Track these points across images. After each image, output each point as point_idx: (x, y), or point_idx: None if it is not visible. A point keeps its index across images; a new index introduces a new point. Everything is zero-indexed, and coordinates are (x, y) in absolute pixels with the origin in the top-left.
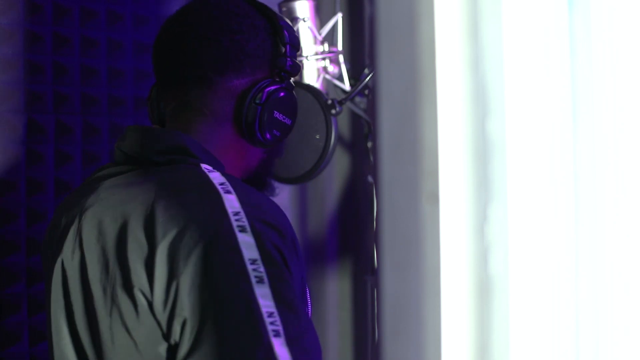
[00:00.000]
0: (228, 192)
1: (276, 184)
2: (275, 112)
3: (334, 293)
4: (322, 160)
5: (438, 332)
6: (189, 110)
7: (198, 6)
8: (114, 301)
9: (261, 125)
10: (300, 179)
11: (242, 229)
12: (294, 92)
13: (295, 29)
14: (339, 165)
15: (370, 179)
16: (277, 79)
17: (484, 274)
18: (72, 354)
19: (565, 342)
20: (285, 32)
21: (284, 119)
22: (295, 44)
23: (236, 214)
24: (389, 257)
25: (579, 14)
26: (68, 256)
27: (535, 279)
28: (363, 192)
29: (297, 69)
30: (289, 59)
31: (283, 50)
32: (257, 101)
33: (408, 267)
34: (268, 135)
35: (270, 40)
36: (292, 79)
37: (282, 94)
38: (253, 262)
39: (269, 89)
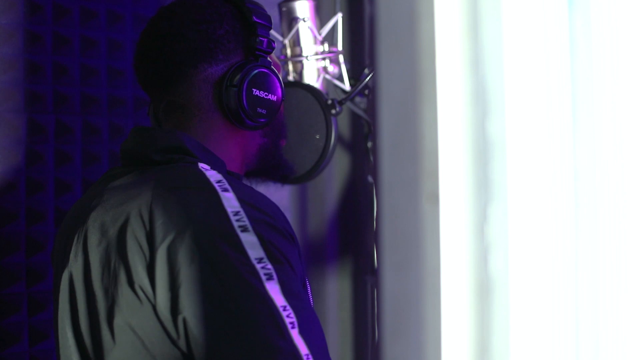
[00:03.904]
0: (225, 190)
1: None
2: (255, 90)
3: (334, 293)
4: (322, 160)
5: (438, 332)
6: (177, 109)
7: (162, 10)
8: (115, 300)
9: (242, 107)
10: (300, 179)
11: (244, 229)
12: (272, 67)
13: (295, 28)
14: (339, 165)
15: (370, 179)
16: (252, 59)
17: (484, 274)
18: (76, 356)
19: (565, 342)
20: (252, 14)
21: (266, 95)
22: (264, 22)
23: (236, 213)
24: (389, 257)
25: (579, 14)
26: (73, 259)
27: (535, 279)
28: (363, 192)
29: (271, 45)
30: (259, 37)
31: (252, 30)
32: (233, 84)
33: (408, 267)
34: (254, 115)
35: (239, 24)
36: (274, 58)
37: (256, 71)
38: (260, 260)
39: (243, 69)
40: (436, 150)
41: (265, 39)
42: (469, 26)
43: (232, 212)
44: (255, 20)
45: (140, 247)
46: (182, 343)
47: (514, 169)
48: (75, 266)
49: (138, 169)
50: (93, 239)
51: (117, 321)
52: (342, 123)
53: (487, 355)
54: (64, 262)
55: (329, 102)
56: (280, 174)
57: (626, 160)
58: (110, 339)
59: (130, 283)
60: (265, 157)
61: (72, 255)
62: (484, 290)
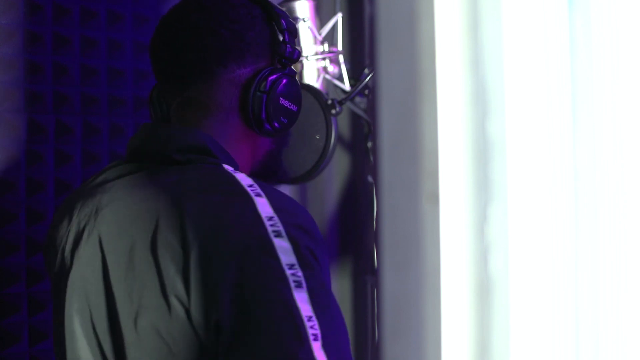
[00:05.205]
0: (258, 194)
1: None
2: (281, 99)
3: (334, 293)
4: (322, 160)
5: (438, 332)
6: (194, 105)
7: (192, 0)
8: (141, 304)
9: (268, 114)
10: (300, 179)
11: (278, 234)
12: (296, 78)
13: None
14: (339, 165)
15: (370, 179)
16: (279, 66)
17: (484, 274)
18: (88, 356)
19: (565, 342)
20: (282, 20)
21: (290, 105)
22: (292, 31)
23: (270, 218)
24: (389, 257)
25: (579, 14)
26: (83, 258)
27: (535, 279)
28: (363, 192)
29: (298, 55)
30: (288, 45)
31: (281, 37)
32: (262, 89)
33: (408, 267)
34: (276, 123)
35: (268, 28)
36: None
37: (285, 80)
38: (291, 267)
39: (272, 76)
40: (436, 150)
41: (293, 48)
42: (469, 26)
43: (267, 217)
44: (285, 27)
45: (172, 249)
46: (214, 349)
47: (514, 169)
48: (89, 266)
49: (150, 166)
50: (110, 239)
51: (142, 323)
52: (342, 123)
53: (487, 355)
54: (65, 261)
55: (329, 102)
56: (277, 178)
57: (626, 160)
58: (133, 341)
59: (162, 288)
60: (268, 162)
61: (84, 255)
62: (484, 290)
